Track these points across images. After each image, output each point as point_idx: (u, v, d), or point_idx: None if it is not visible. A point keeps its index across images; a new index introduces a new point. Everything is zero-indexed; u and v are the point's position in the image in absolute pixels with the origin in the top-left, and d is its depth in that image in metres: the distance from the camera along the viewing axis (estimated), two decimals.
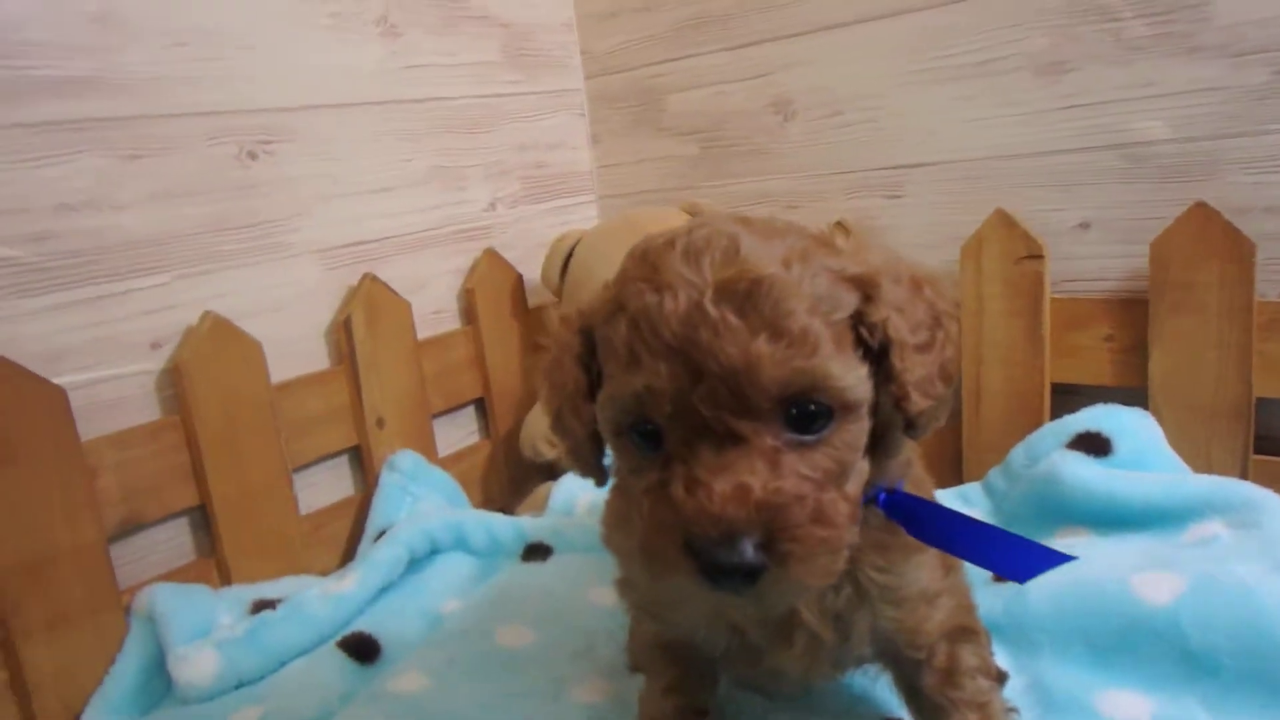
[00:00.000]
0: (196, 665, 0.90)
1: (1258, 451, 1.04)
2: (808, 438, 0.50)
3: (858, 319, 0.52)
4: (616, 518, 0.66)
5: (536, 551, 1.13)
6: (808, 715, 0.76)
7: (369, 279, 1.21)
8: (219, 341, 1.05)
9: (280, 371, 1.13)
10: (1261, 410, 1.03)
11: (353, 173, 1.22)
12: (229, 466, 1.05)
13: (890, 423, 0.55)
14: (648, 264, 0.52)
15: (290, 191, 1.15)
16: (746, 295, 0.48)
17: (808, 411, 0.50)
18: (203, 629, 0.95)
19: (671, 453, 0.51)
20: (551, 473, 1.34)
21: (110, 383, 0.99)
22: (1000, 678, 0.69)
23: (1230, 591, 0.76)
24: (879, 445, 0.56)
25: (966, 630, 0.65)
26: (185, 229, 1.05)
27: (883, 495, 0.58)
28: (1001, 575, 0.55)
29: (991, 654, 0.68)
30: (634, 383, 0.50)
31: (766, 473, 0.48)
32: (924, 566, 0.62)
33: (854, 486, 0.53)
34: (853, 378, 0.50)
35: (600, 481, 0.61)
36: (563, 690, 0.86)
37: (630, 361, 0.50)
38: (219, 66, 1.07)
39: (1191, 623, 0.75)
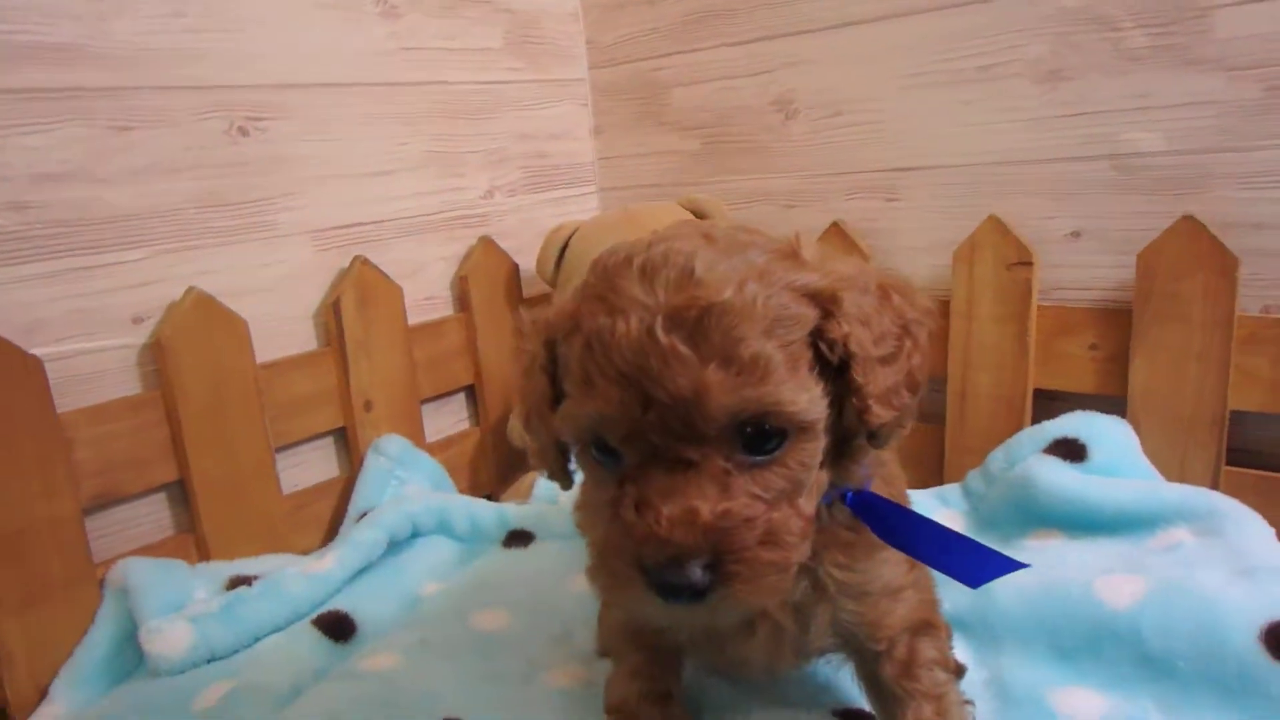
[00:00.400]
0: (169, 638, 0.90)
1: (1230, 463, 1.05)
2: (760, 458, 0.51)
3: (817, 334, 0.52)
4: (587, 506, 0.67)
5: (518, 538, 1.13)
6: (772, 703, 0.77)
7: (360, 261, 1.21)
8: (203, 317, 1.05)
9: (268, 351, 1.13)
10: (1236, 423, 1.04)
11: (348, 154, 1.22)
12: (211, 443, 1.06)
13: (854, 431, 0.56)
14: (606, 281, 0.52)
15: (283, 170, 1.15)
16: (697, 322, 0.48)
17: (761, 432, 0.50)
18: (177, 603, 0.96)
19: (627, 472, 0.51)
20: None
21: (89, 356, 0.99)
22: (958, 671, 0.71)
23: (1190, 598, 0.77)
24: (843, 452, 0.57)
25: (928, 624, 0.66)
26: (172, 204, 1.05)
27: (850, 495, 0.59)
28: (958, 580, 0.56)
29: (951, 648, 0.69)
30: (588, 407, 0.50)
31: (715, 495, 0.49)
32: (889, 562, 0.63)
33: (808, 501, 0.53)
34: (805, 400, 0.50)
35: (566, 485, 0.61)
36: (535, 674, 0.86)
37: (584, 384, 0.51)
38: (212, 39, 1.07)
39: (1151, 627, 0.77)
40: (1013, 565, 0.55)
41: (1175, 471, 1.06)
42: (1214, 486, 1.03)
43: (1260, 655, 0.72)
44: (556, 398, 0.56)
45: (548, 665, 0.88)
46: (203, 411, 1.05)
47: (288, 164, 1.15)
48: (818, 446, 0.53)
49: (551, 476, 0.61)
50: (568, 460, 0.59)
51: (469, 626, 0.94)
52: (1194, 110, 1.05)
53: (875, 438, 0.55)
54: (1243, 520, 0.88)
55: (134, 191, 1.01)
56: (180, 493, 1.06)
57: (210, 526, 1.06)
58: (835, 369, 0.52)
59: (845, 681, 0.80)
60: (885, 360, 0.53)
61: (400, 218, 1.29)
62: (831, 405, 0.53)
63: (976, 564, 0.56)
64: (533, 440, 0.60)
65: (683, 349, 0.48)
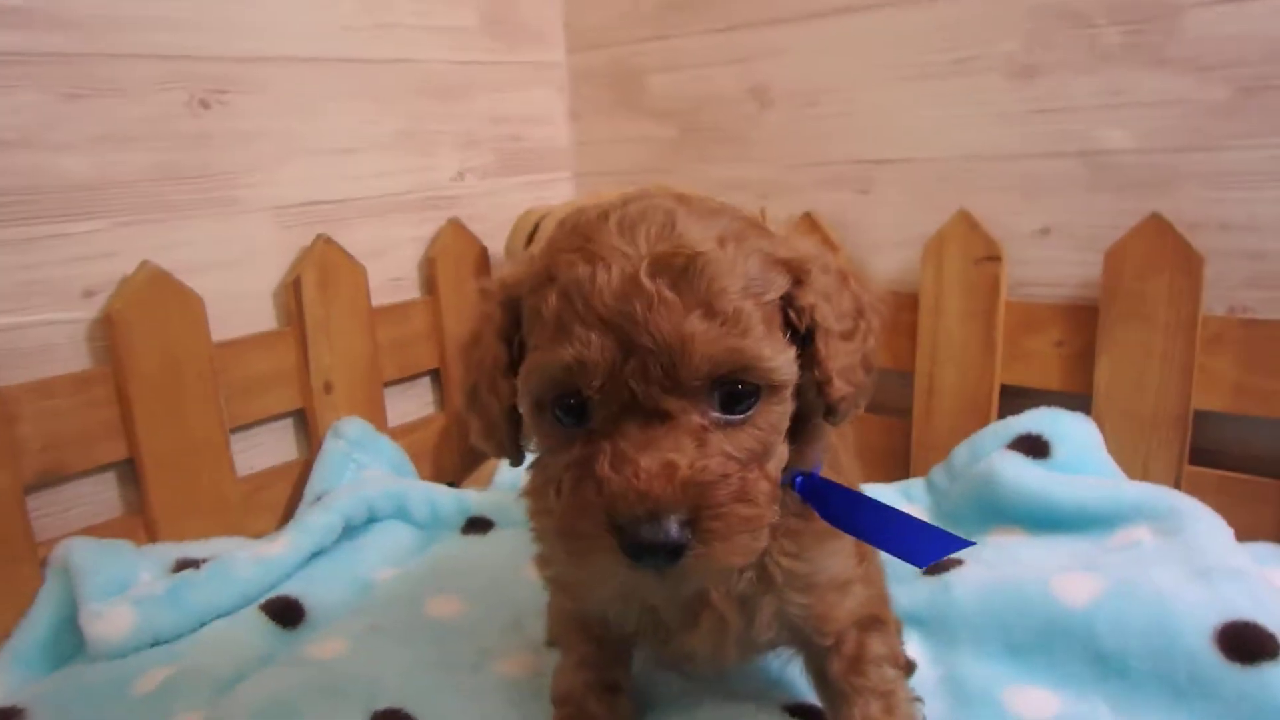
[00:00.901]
0: (111, 621, 0.88)
1: (1193, 463, 1.05)
2: (734, 417, 0.50)
3: (787, 302, 0.53)
4: (542, 490, 0.65)
5: (477, 525, 1.12)
6: (723, 698, 0.75)
7: (322, 240, 1.19)
8: (156, 293, 1.02)
9: (225, 330, 1.10)
10: (1199, 422, 1.05)
11: (314, 131, 1.19)
12: (162, 422, 1.03)
13: (811, 409, 0.56)
14: (579, 235, 0.51)
15: (245, 145, 1.12)
16: (682, 271, 0.48)
17: (735, 391, 0.50)
18: (121, 585, 0.93)
19: (597, 428, 0.50)
20: None
21: (36, 329, 0.96)
22: (908, 667, 0.70)
23: (1145, 597, 0.77)
24: (800, 431, 0.57)
25: (876, 620, 0.66)
26: (128, 175, 1.02)
27: (799, 479, 0.58)
28: (906, 560, 0.56)
29: (901, 644, 0.69)
30: (563, 354, 0.49)
31: (693, 451, 0.48)
32: (838, 554, 0.62)
33: (774, 467, 0.53)
34: (782, 359, 0.51)
35: (517, 461, 0.60)
36: (485, 662, 0.85)
37: (559, 332, 0.50)
38: (172, 7, 1.04)
39: (1106, 625, 0.77)
40: (959, 543, 0.55)
41: (1138, 470, 1.06)
42: (1176, 486, 1.03)
43: (1213, 656, 0.71)
44: (512, 364, 0.54)
45: (499, 654, 0.86)
46: (154, 389, 1.02)
47: (250, 139, 1.13)
48: (787, 410, 0.53)
49: (499, 452, 0.59)
50: (519, 432, 0.57)
51: (422, 613, 0.93)
52: (1164, 109, 1.05)
53: (833, 414, 0.55)
54: (1202, 520, 0.88)
55: (88, 161, 0.98)
56: (130, 472, 1.04)
57: (160, 508, 1.04)
58: (799, 343, 0.53)
59: (796, 677, 0.79)
60: (845, 336, 0.54)
61: (367, 197, 1.26)
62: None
63: (924, 543, 0.55)
64: (478, 417, 0.58)
65: (669, 294, 0.48)
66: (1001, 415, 1.13)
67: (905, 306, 1.22)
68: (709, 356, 0.48)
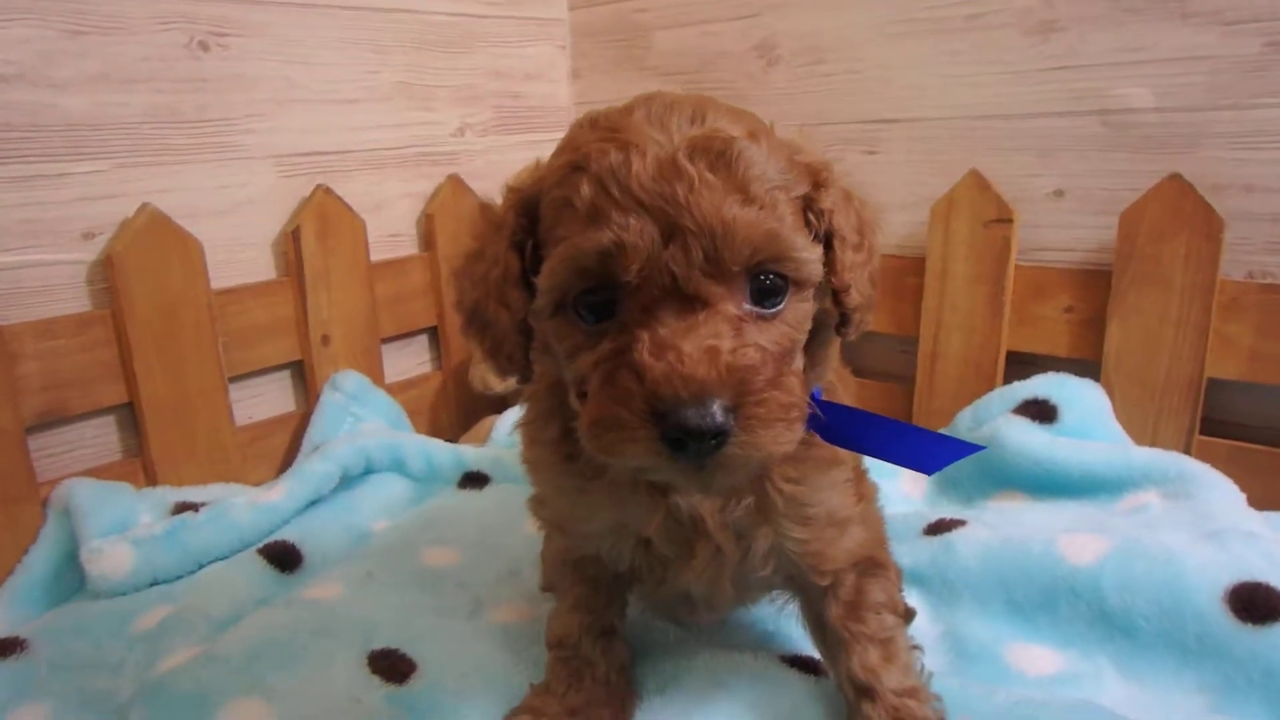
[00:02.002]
0: (111, 560, 0.88)
1: (1203, 432, 1.03)
2: (766, 311, 0.51)
3: (807, 204, 0.53)
4: (537, 423, 0.65)
5: (473, 480, 1.11)
6: (718, 647, 0.75)
7: (322, 190, 1.17)
8: (156, 236, 1.01)
9: (224, 278, 1.10)
10: (1212, 391, 1.02)
11: (314, 79, 1.17)
12: (161, 368, 1.03)
13: (822, 323, 0.56)
14: (604, 128, 0.51)
15: (245, 90, 1.11)
16: (720, 155, 0.48)
17: (766, 285, 0.50)
18: (120, 526, 0.93)
19: (629, 320, 0.49)
20: (500, 407, 1.32)
21: (37, 269, 0.95)
22: (907, 615, 0.69)
23: (1155, 557, 0.76)
24: (811, 345, 0.56)
25: (876, 563, 0.64)
26: (128, 116, 1.00)
27: None
28: (912, 468, 0.56)
29: (900, 590, 0.67)
30: (600, 239, 0.48)
31: (732, 338, 0.48)
32: (835, 488, 0.60)
33: (799, 368, 0.53)
34: (811, 253, 0.51)
35: (526, 377, 0.58)
36: (480, 610, 0.85)
37: (593, 220, 0.48)
38: None
39: (1112, 584, 0.75)
40: (966, 449, 0.55)
41: (1147, 438, 1.04)
42: (1186, 454, 1.01)
43: (1223, 616, 0.70)
44: (524, 275, 0.53)
45: (493, 602, 0.86)
46: (153, 334, 1.01)
47: (251, 83, 1.11)
48: (810, 310, 0.53)
49: (508, 369, 0.57)
50: (529, 346, 0.56)
51: (418, 562, 0.93)
52: (1188, 65, 1.02)
53: (846, 324, 0.55)
54: (1213, 484, 0.86)
55: (88, 100, 0.97)
56: (129, 416, 1.03)
57: (159, 452, 1.04)
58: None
59: (792, 628, 0.78)
60: (856, 248, 0.55)
61: (366, 149, 1.25)
62: None
63: (929, 451, 0.55)
64: (483, 334, 0.56)
65: (710, 176, 0.47)
66: (1007, 382, 1.11)
67: (911, 270, 1.20)
68: (750, 240, 0.48)
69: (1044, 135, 1.12)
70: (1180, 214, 1.01)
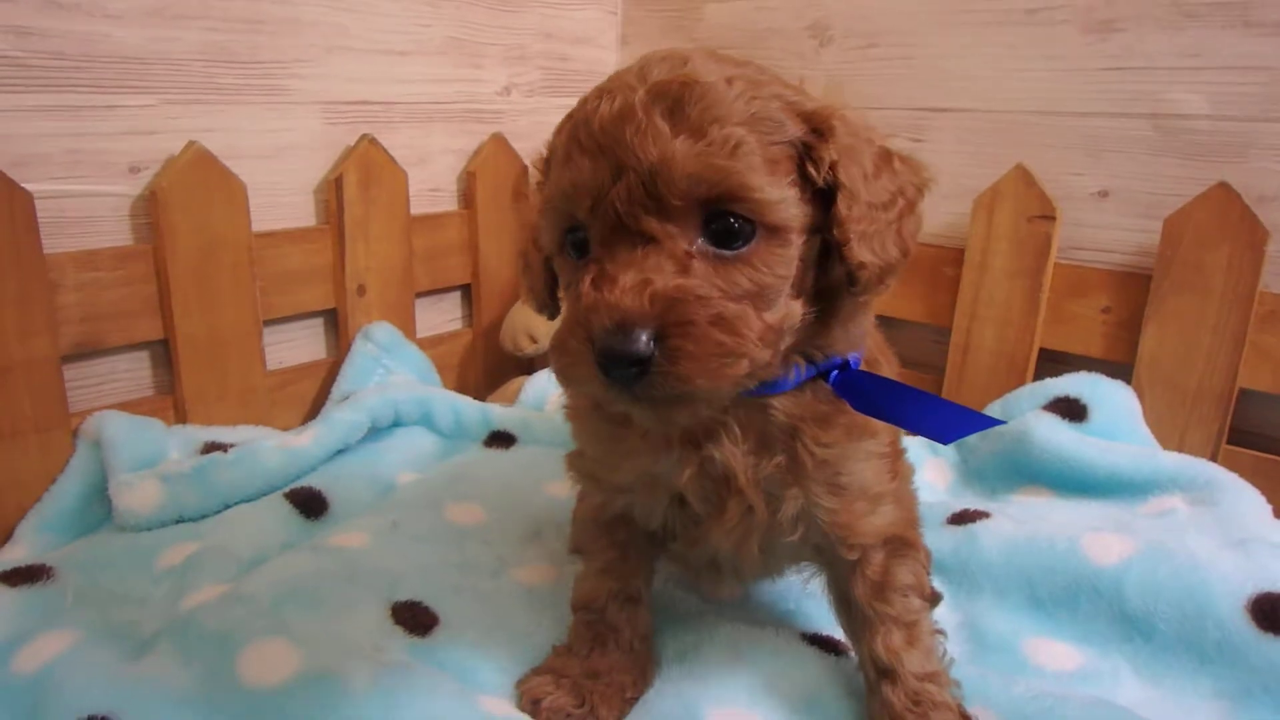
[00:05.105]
0: (139, 493, 0.89)
1: (1231, 442, 1.03)
2: (726, 251, 0.51)
3: (806, 153, 0.52)
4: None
5: (500, 439, 1.12)
6: (741, 622, 0.75)
7: (367, 140, 1.17)
8: (201, 175, 1.01)
9: (264, 221, 1.09)
10: (1242, 401, 1.02)
11: (366, 28, 1.16)
12: (198, 306, 1.03)
13: (840, 286, 0.55)
14: (606, 80, 0.53)
15: (297, 34, 1.10)
16: (677, 98, 0.49)
17: (728, 226, 0.50)
18: (149, 461, 0.94)
19: (593, 256, 0.52)
20: (529, 368, 1.32)
21: (82, 199, 0.95)
22: (933, 598, 0.69)
23: (1179, 562, 0.76)
24: (829, 308, 0.56)
25: (905, 543, 0.64)
26: (179, 53, 1.00)
27: (835, 374, 0.58)
28: (936, 439, 0.56)
29: (929, 573, 0.68)
30: (562, 180, 0.52)
31: (672, 272, 0.49)
32: (869, 460, 0.61)
33: (775, 316, 0.52)
34: (776, 194, 0.50)
35: (552, 313, 0.63)
36: (504, 569, 0.86)
37: (565, 162, 0.52)
38: None
39: (1135, 586, 0.76)
40: (989, 421, 0.55)
41: (1174, 444, 1.04)
42: (1213, 462, 1.01)
43: (1245, 624, 0.71)
44: None
45: (517, 562, 0.87)
46: (192, 272, 1.02)
47: (302, 28, 1.10)
48: (788, 256, 0.52)
49: (540, 306, 0.63)
50: (555, 285, 0.61)
51: (442, 517, 0.93)
52: (1244, 75, 1.01)
53: (855, 283, 0.54)
54: (1240, 493, 0.87)
55: (141, 34, 0.97)
56: (163, 354, 1.04)
57: (190, 391, 1.04)
58: (824, 202, 0.53)
59: (813, 608, 0.79)
60: (876, 206, 0.53)
61: (413, 102, 1.24)
62: (814, 234, 0.54)
63: (950, 421, 0.55)
64: (526, 275, 0.63)
65: (659, 120, 0.49)
66: (1037, 379, 1.11)
67: (949, 261, 1.20)
68: (689, 174, 0.48)
69: (1093, 135, 1.11)
70: (1226, 223, 1.00)
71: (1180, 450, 1.03)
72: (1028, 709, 0.66)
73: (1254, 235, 0.99)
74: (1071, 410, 1.01)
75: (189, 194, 1.00)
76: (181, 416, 1.05)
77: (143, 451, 0.94)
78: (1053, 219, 1.11)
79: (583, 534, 0.74)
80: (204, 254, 1.02)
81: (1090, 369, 1.08)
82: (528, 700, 0.67)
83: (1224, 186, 1.00)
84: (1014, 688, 0.68)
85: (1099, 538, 0.80)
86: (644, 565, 0.72)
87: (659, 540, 0.70)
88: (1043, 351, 1.15)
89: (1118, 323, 1.10)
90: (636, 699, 0.68)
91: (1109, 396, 1.02)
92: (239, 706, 0.62)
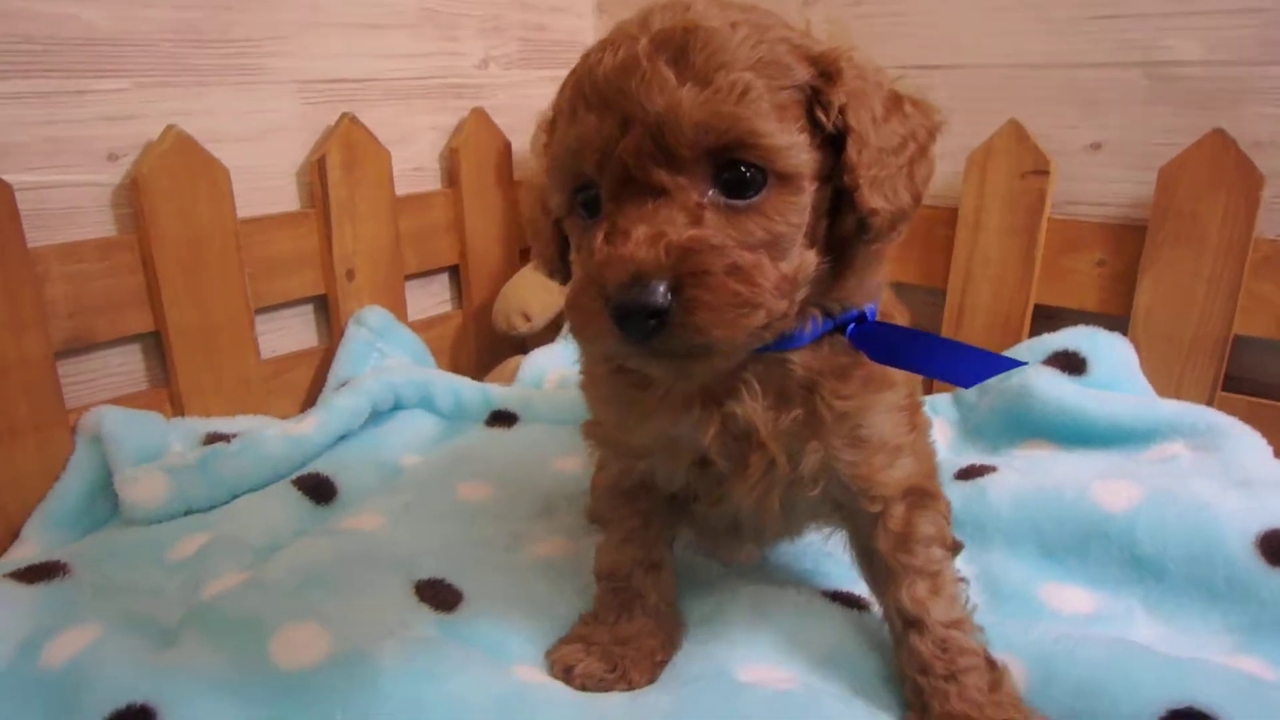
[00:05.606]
0: (145, 487, 0.87)
1: (1226, 389, 1.05)
2: (737, 201, 0.50)
3: (814, 97, 0.51)
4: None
5: (502, 418, 1.11)
6: (762, 583, 0.76)
7: (348, 119, 1.14)
8: (182, 160, 0.98)
9: (249, 207, 1.07)
10: (1237, 348, 1.04)
11: (338, 1, 1.13)
12: (188, 296, 1.01)
13: (853, 235, 0.55)
14: (610, 32, 0.52)
15: (268, 10, 1.06)
16: (681, 46, 0.48)
17: (739, 175, 0.50)
18: (152, 454, 0.93)
19: (605, 212, 0.51)
20: (523, 347, 1.31)
21: (62, 190, 0.92)
22: (955, 547, 0.70)
23: (1186, 504, 0.77)
24: (843, 258, 0.56)
25: (926, 494, 0.65)
26: (150, 33, 0.96)
27: (852, 326, 0.58)
28: (955, 383, 0.57)
29: (949, 522, 0.68)
30: (568, 137, 0.51)
31: (685, 224, 0.49)
32: (889, 413, 0.61)
33: (790, 266, 0.52)
34: (785, 140, 0.50)
35: (563, 278, 0.62)
36: (520, 544, 0.86)
37: (570, 118, 0.51)
38: None
39: (1145, 530, 0.77)
40: (1009, 363, 0.55)
41: (1170, 393, 1.05)
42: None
43: (1254, 560, 0.72)
44: None
45: (532, 537, 0.87)
46: (180, 261, 0.99)
47: (273, 3, 1.06)
48: (801, 204, 0.52)
49: (551, 271, 0.63)
50: (566, 248, 0.60)
51: (453, 496, 0.93)
52: (1238, 18, 1.00)
53: (867, 230, 0.53)
54: (1241, 436, 0.88)
55: (109, 13, 0.93)
56: (155, 346, 1.02)
57: (186, 383, 1.02)
58: (834, 148, 0.52)
59: (832, 566, 0.80)
60: (887, 150, 0.53)
61: (390, 78, 1.21)
62: (825, 181, 0.53)
63: (970, 365, 0.55)
64: (535, 239, 0.63)
65: (663, 69, 0.48)
66: (1034, 335, 1.12)
67: (942, 221, 1.19)
68: (697, 123, 0.47)
69: (1085, 87, 1.11)
70: (1221, 170, 1.00)
71: (1177, 398, 1.04)
72: (1049, 651, 0.67)
73: (1249, 181, 0.99)
74: (1071, 364, 1.02)
75: (172, 181, 0.97)
76: (179, 409, 1.03)
77: (145, 445, 0.93)
78: (1046, 174, 1.10)
79: (603, 503, 0.74)
80: (190, 242, 1.00)
81: (1086, 323, 1.09)
82: (559, 668, 0.67)
83: (1219, 133, 1.00)
84: (1032, 632, 0.69)
85: (1107, 485, 0.82)
86: (666, 532, 0.72)
87: (680, 504, 0.70)
88: (1037, 308, 1.15)
89: (1113, 276, 1.10)
90: (666, 661, 0.69)
91: (1107, 349, 1.04)
92: (274, 688, 0.61)
